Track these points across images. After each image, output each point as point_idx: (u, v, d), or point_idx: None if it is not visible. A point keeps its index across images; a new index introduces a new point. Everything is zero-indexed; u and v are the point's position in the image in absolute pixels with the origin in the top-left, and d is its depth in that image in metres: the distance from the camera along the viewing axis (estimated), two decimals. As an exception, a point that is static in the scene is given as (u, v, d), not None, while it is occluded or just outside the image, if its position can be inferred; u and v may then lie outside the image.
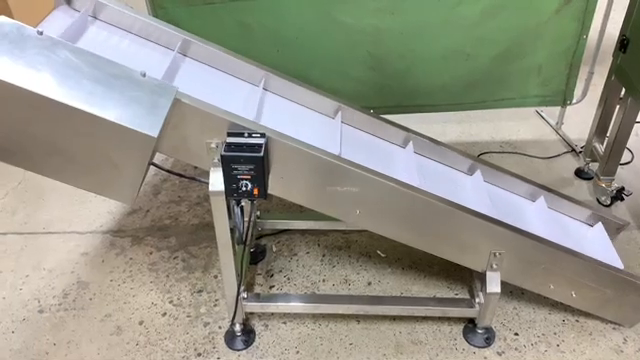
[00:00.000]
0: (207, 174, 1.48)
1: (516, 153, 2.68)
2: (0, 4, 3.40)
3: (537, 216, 1.84)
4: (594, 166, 2.45)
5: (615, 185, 2.30)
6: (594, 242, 1.86)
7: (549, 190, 1.92)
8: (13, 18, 3.29)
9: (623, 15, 2.14)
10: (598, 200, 2.36)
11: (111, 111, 1.22)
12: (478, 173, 1.86)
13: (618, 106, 2.24)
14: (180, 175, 1.63)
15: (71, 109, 1.20)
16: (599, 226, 1.91)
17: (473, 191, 1.81)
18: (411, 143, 1.82)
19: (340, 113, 1.79)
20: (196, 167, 1.50)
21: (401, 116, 2.28)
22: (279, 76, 1.76)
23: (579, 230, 1.92)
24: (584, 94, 2.62)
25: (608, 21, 2.43)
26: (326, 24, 2.18)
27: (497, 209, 1.69)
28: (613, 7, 2.41)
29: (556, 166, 2.60)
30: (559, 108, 2.71)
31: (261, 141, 1.40)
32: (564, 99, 2.45)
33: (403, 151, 1.84)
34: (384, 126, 1.84)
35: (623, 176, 2.43)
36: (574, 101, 2.48)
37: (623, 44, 2.08)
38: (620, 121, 2.17)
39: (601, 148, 2.40)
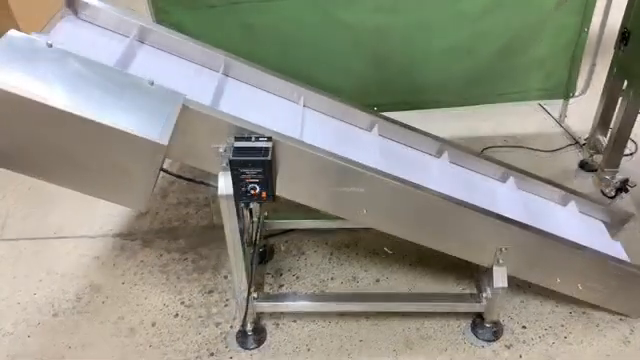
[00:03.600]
0: (215, 177, 1.50)
1: (520, 147, 2.69)
2: (4, 12, 3.43)
3: (544, 210, 1.87)
4: (598, 158, 2.46)
5: (619, 177, 2.31)
6: (591, 231, 1.88)
7: (548, 182, 1.94)
8: (17, 25, 3.30)
9: (624, 7, 2.14)
10: (602, 192, 2.37)
11: (121, 120, 1.25)
12: (489, 170, 1.89)
13: (621, 98, 2.25)
14: (189, 180, 1.66)
15: (82, 119, 1.22)
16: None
17: (480, 190, 1.84)
18: (446, 153, 1.88)
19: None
20: (202, 170, 1.52)
21: (403, 112, 2.30)
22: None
23: (579, 220, 1.94)
24: (586, 87, 2.62)
25: (609, 14, 2.43)
26: (328, 24, 2.19)
27: (498, 206, 1.71)
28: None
29: (560, 159, 2.61)
30: (562, 101, 2.71)
31: (268, 145, 1.43)
32: (566, 92, 2.46)
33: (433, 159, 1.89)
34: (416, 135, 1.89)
35: (627, 168, 2.43)
36: (576, 94, 2.49)
37: (624, 37, 2.09)
38: (623, 113, 2.18)
39: (604, 140, 2.41)
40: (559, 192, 1.94)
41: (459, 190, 1.67)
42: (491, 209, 1.63)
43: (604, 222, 1.98)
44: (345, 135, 1.81)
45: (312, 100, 1.82)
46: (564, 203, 1.96)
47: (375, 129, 1.84)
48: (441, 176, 1.79)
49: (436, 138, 1.90)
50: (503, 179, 1.93)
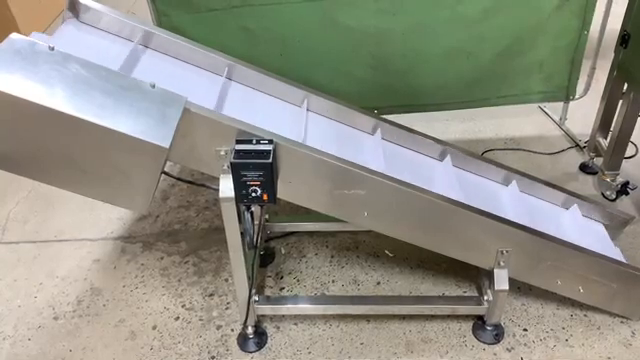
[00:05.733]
0: (216, 180, 1.50)
1: (520, 149, 2.69)
2: (4, 13, 3.45)
3: (545, 213, 1.87)
4: (598, 161, 2.46)
5: (620, 179, 2.31)
6: (592, 234, 1.88)
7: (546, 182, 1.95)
8: (17, 26, 3.31)
9: (624, 9, 2.15)
10: (603, 195, 2.37)
11: (122, 123, 1.25)
12: (490, 173, 1.90)
13: (621, 101, 2.25)
14: (190, 182, 1.66)
15: (83, 122, 1.22)
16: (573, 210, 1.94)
17: (482, 190, 1.84)
18: (449, 155, 1.89)
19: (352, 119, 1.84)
20: (203, 173, 1.53)
21: (404, 115, 2.30)
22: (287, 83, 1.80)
23: (578, 222, 1.94)
24: (587, 89, 2.63)
25: (609, 16, 2.44)
26: (328, 27, 2.20)
27: (506, 208, 1.72)
28: (614, 1, 2.42)
29: (560, 161, 2.62)
30: (562, 104, 2.72)
31: (269, 147, 1.43)
32: (567, 94, 2.46)
33: (435, 161, 1.90)
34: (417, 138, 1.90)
35: (628, 170, 2.43)
36: (577, 96, 2.49)
37: (624, 39, 2.09)
38: (623, 115, 2.18)
39: (605, 143, 2.41)
40: (560, 194, 1.94)
41: (458, 191, 1.67)
42: (492, 211, 1.63)
43: (605, 224, 1.98)
44: (348, 139, 1.82)
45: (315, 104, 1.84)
46: (565, 206, 1.96)
47: (378, 132, 1.85)
48: (442, 178, 1.79)
49: (438, 141, 1.90)
50: (505, 182, 1.94)
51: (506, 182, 1.93)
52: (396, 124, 1.88)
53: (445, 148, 1.89)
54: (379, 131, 1.85)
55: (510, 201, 1.85)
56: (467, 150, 1.92)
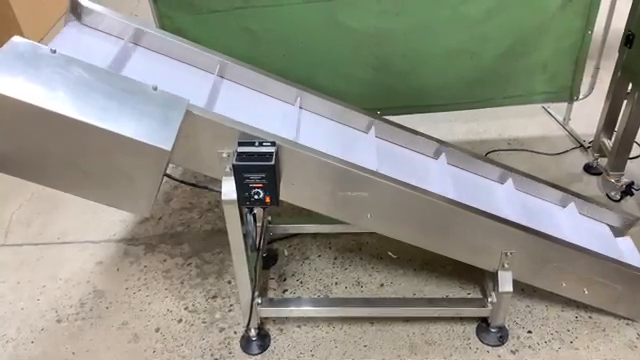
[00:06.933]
0: (219, 182, 1.50)
1: (524, 150, 2.68)
2: (7, 14, 3.45)
3: (549, 215, 1.86)
4: (603, 161, 2.45)
5: (624, 180, 2.30)
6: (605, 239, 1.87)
7: (559, 187, 1.93)
8: (20, 28, 3.32)
9: (628, 8, 2.13)
10: (608, 195, 2.36)
11: (124, 126, 1.24)
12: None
13: (626, 100, 2.24)
14: (193, 185, 1.66)
15: (85, 125, 1.22)
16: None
17: (487, 191, 1.83)
18: (443, 155, 1.87)
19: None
20: (206, 175, 1.52)
21: (407, 116, 2.30)
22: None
23: (590, 226, 1.93)
24: (591, 89, 2.61)
25: (613, 15, 2.43)
26: (331, 28, 2.19)
27: (500, 206, 1.71)
28: (618, 0, 2.40)
29: (564, 162, 2.60)
30: (566, 104, 2.71)
31: (271, 149, 1.42)
32: (571, 95, 2.45)
33: (433, 161, 1.88)
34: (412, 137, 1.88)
35: (632, 170, 2.42)
36: (581, 97, 2.48)
37: (629, 39, 2.09)
38: (628, 115, 2.17)
39: (609, 143, 2.40)
40: (564, 195, 1.93)
41: (460, 193, 1.66)
42: (495, 212, 1.62)
43: (609, 226, 1.97)
44: (343, 137, 1.80)
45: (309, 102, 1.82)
46: (569, 207, 1.95)
47: (372, 131, 1.84)
48: (440, 177, 1.78)
49: (433, 139, 1.89)
50: (504, 181, 1.92)
51: (504, 181, 1.92)
52: (318, 94, 1.82)
53: (371, 120, 1.85)
54: (298, 100, 1.80)
55: (510, 201, 1.83)
56: (394, 122, 1.90)
